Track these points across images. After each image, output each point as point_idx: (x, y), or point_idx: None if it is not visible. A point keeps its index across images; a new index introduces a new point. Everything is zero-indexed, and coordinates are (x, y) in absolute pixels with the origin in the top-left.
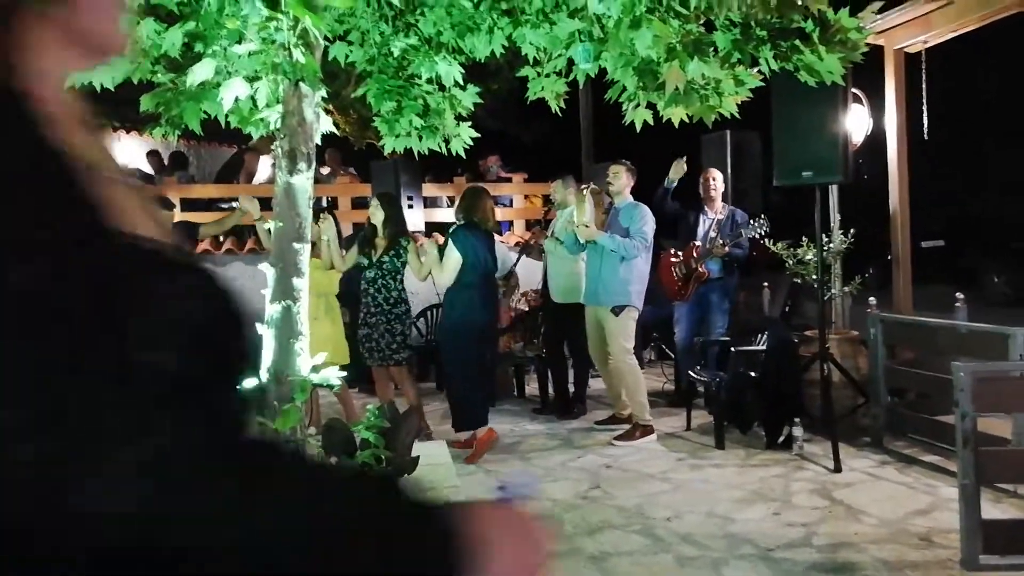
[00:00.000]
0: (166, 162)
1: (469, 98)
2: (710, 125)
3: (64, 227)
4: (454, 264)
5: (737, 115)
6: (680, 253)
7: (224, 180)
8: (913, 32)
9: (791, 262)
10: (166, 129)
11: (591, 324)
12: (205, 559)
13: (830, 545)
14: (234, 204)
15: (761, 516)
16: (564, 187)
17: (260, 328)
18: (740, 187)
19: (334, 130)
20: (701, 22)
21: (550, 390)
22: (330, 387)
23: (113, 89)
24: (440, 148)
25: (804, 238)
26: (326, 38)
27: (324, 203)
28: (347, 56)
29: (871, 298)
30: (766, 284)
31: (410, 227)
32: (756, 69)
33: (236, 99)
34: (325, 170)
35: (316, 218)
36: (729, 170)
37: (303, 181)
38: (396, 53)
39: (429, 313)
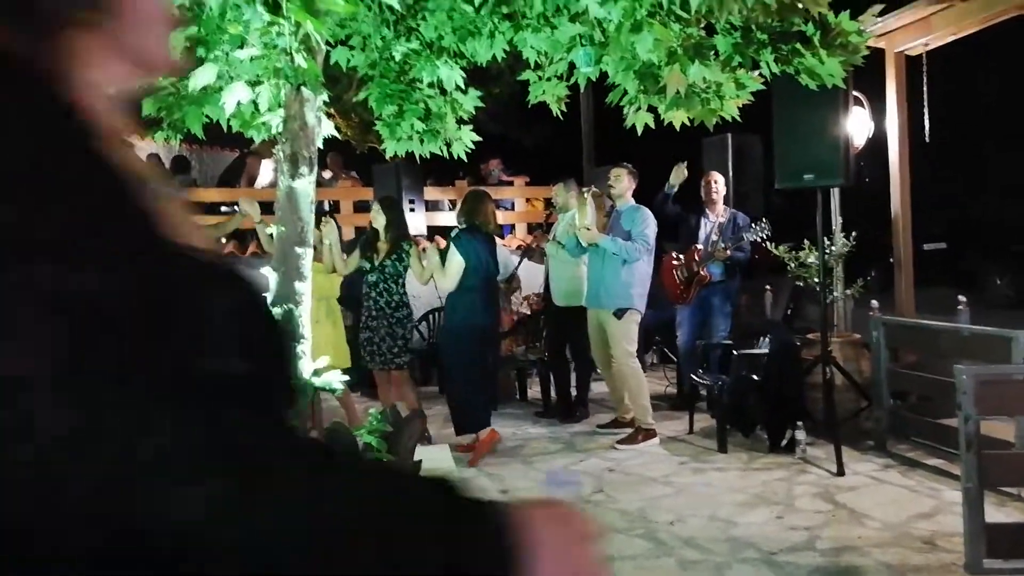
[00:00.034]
0: (168, 166)
1: (470, 102)
2: (711, 128)
3: (120, 237)
4: (457, 268)
5: (738, 118)
6: (682, 256)
7: (226, 184)
8: (914, 35)
9: (793, 265)
10: (168, 133)
11: (593, 327)
12: (228, 559)
13: (833, 549)
14: (235, 208)
15: (764, 520)
16: (566, 190)
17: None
18: (741, 190)
19: (336, 134)
20: (702, 26)
21: (552, 393)
22: (332, 391)
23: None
24: (442, 152)
25: (806, 241)
26: (328, 42)
27: (326, 207)
28: (349, 60)
29: (873, 301)
30: (768, 287)
31: (412, 231)
32: (757, 72)
33: (238, 103)
34: (327, 174)
35: (318, 222)
36: (730, 173)
37: (305, 185)
38: (397, 57)
39: (431, 316)
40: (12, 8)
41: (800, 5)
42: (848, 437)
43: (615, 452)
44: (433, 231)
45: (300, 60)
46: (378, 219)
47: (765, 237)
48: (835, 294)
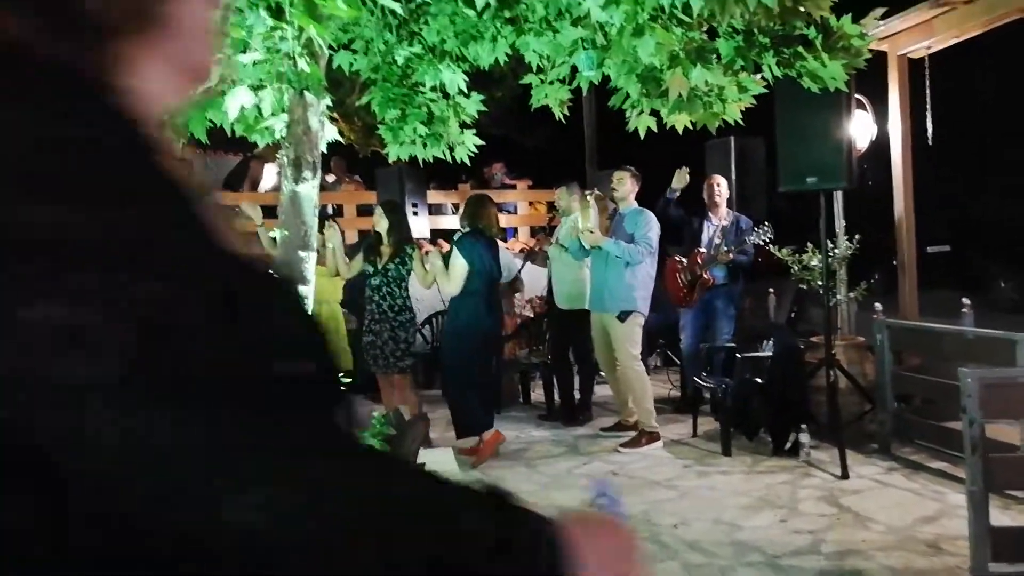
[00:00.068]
0: None
1: (473, 105)
2: (714, 131)
3: (187, 245)
4: (460, 273)
5: (741, 121)
6: (685, 260)
7: (230, 188)
8: (916, 38)
9: (796, 268)
10: (171, 138)
11: (597, 330)
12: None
13: (837, 552)
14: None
15: (768, 523)
16: (568, 193)
17: None
18: (744, 193)
19: (339, 138)
20: (704, 29)
21: (555, 397)
22: None
23: None
24: (444, 155)
25: (809, 244)
26: (330, 47)
27: (330, 211)
28: (351, 64)
29: (877, 304)
30: (771, 290)
31: (415, 234)
32: (759, 75)
33: (241, 108)
34: (330, 178)
35: (321, 226)
36: (733, 176)
37: (308, 189)
38: (400, 61)
39: (434, 320)
40: (60, 17)
41: (802, 9)
42: (852, 440)
43: (619, 455)
44: (436, 235)
45: (303, 64)
46: (381, 223)
47: (768, 240)
48: (838, 297)
